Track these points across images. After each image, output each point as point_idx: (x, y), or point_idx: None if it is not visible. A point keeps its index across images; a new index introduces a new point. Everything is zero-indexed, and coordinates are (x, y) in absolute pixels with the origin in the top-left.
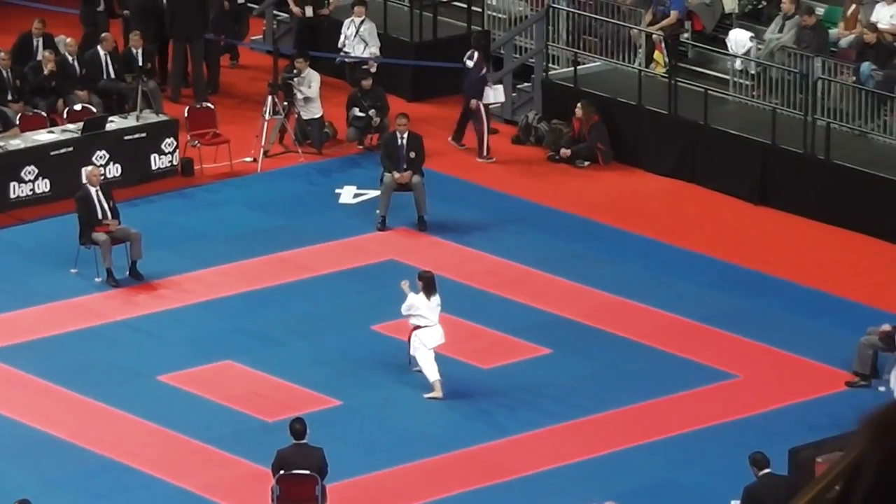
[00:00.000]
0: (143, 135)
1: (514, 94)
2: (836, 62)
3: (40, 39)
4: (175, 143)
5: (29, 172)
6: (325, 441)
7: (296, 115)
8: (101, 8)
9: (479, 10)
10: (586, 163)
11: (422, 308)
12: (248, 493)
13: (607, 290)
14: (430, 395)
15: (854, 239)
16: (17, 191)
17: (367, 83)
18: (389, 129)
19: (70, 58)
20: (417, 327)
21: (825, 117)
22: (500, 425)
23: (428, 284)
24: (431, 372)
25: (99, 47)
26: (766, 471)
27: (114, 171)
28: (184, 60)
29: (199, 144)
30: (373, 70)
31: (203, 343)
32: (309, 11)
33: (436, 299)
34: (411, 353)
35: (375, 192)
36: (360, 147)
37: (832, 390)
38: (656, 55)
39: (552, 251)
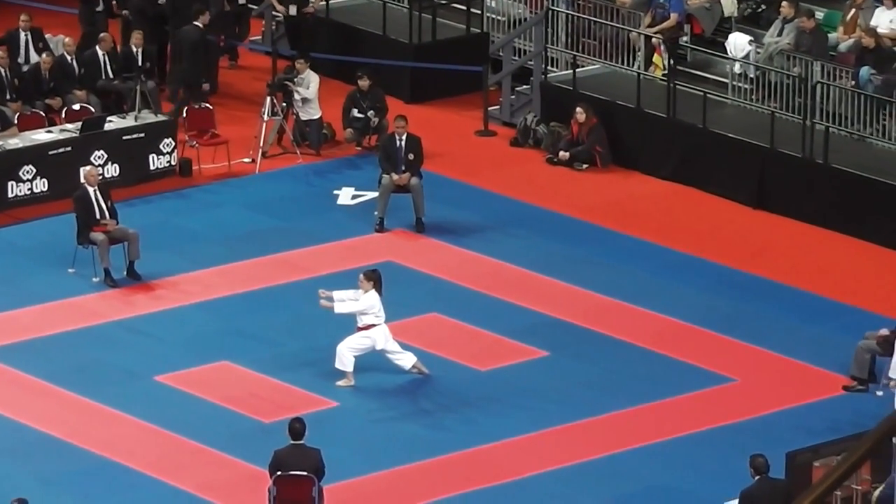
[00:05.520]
0: (142, 135)
1: (512, 97)
2: (835, 66)
3: (28, 34)
4: (173, 144)
5: (27, 172)
6: (322, 442)
7: (294, 116)
8: (99, 8)
9: (479, 12)
10: (584, 166)
11: (376, 306)
12: (245, 493)
13: (605, 292)
14: (342, 382)
15: (852, 243)
16: (14, 190)
17: (364, 84)
18: (388, 131)
19: (68, 57)
20: (369, 326)
21: (824, 121)
22: (496, 428)
23: (378, 282)
24: (350, 363)
25: (97, 47)
26: (764, 475)
27: (112, 170)
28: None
29: (197, 145)
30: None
31: (200, 343)
32: (293, 10)
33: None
34: (378, 348)
35: (374, 194)
36: (359, 148)
37: (830, 394)
38: (655, 58)
39: (550, 254)
